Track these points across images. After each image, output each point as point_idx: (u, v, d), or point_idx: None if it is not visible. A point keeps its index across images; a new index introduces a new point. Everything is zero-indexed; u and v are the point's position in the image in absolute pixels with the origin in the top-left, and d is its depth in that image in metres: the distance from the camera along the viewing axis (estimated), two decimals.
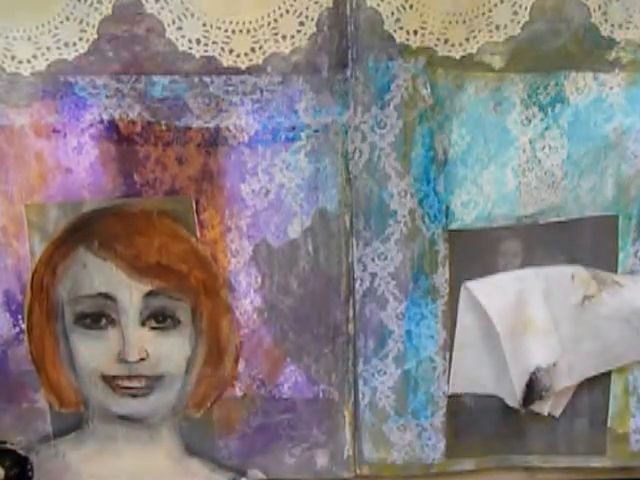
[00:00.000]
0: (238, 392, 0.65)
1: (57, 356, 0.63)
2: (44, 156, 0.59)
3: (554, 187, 0.63)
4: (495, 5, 0.59)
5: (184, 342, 0.64)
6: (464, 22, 0.59)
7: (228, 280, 0.63)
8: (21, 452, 0.63)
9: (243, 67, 0.59)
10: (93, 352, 0.63)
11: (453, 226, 0.63)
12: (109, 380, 0.64)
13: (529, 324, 0.64)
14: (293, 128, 0.60)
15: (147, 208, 0.61)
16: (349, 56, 0.59)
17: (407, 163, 0.62)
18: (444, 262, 0.64)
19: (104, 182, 0.60)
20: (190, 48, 0.58)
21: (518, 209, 0.63)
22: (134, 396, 0.64)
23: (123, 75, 0.58)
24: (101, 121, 0.59)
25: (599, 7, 0.60)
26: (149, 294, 0.62)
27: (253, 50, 0.58)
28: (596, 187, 0.64)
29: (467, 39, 0.60)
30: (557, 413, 0.67)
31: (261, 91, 0.59)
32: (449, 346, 0.65)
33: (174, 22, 0.57)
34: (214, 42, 0.58)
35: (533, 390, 0.64)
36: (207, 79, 0.59)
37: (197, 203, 0.61)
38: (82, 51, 0.57)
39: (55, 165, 0.59)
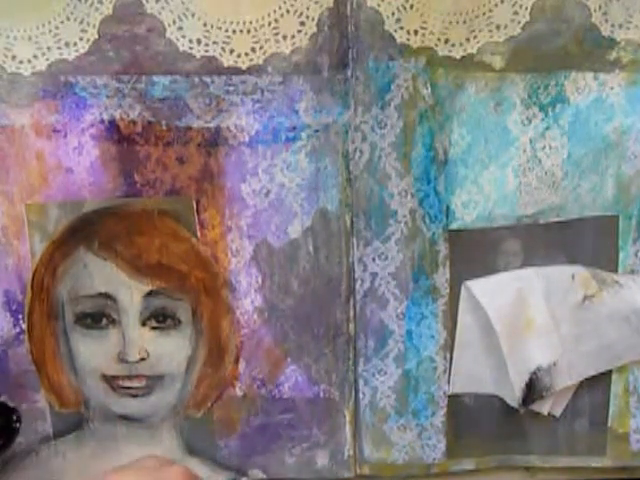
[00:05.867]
0: (238, 392, 0.65)
1: (57, 356, 0.63)
2: (45, 156, 0.59)
3: (554, 187, 0.63)
4: (495, 5, 0.59)
5: (184, 342, 0.64)
6: (464, 22, 0.59)
7: (229, 280, 0.63)
8: (8, 403, 0.62)
9: (244, 67, 0.59)
10: (93, 352, 0.63)
11: (453, 226, 0.64)
12: (109, 380, 0.64)
13: (529, 324, 0.64)
14: (294, 128, 0.60)
15: (148, 208, 0.61)
16: (350, 56, 0.59)
17: (407, 163, 0.62)
18: (444, 262, 0.64)
19: (105, 182, 0.60)
20: (191, 48, 0.58)
21: (518, 209, 0.63)
22: (134, 396, 0.64)
23: (124, 75, 0.58)
24: (102, 121, 0.59)
25: (599, 7, 0.60)
26: (149, 294, 0.62)
27: (254, 50, 0.58)
28: (596, 187, 0.64)
29: (467, 39, 0.60)
30: (557, 413, 0.67)
31: (262, 91, 0.59)
32: (449, 346, 0.65)
33: (175, 22, 0.57)
34: (215, 42, 0.58)
35: (534, 390, 0.64)
36: (207, 79, 0.59)
37: (198, 203, 0.61)
38: (83, 51, 0.57)
39: (56, 165, 0.59)
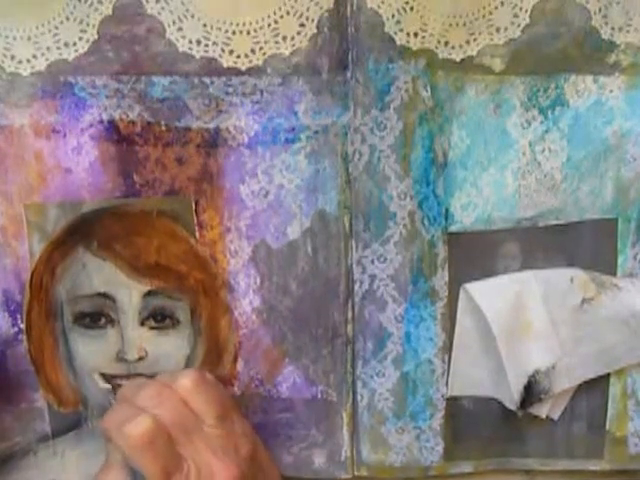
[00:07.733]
0: (237, 391, 0.65)
1: (56, 356, 0.63)
2: (44, 156, 0.59)
3: (554, 190, 0.63)
4: (495, 8, 0.59)
5: (183, 342, 0.64)
6: (464, 24, 0.59)
7: (227, 280, 0.63)
8: None
9: (243, 68, 0.58)
10: (92, 351, 0.63)
11: (452, 228, 0.63)
12: (108, 379, 0.64)
13: (528, 326, 0.64)
14: (293, 129, 0.60)
15: (146, 208, 0.61)
16: (349, 58, 0.59)
17: (407, 165, 0.61)
18: (443, 264, 0.64)
19: (103, 182, 0.60)
20: (190, 49, 0.58)
21: (517, 212, 0.63)
22: None
23: (123, 75, 0.58)
24: (101, 121, 0.59)
25: (599, 10, 0.60)
26: (148, 294, 0.62)
27: (253, 51, 0.58)
28: (595, 190, 0.64)
29: (467, 41, 0.59)
30: (555, 416, 0.67)
31: (261, 92, 0.59)
32: (448, 348, 0.65)
33: (174, 23, 0.57)
34: (214, 43, 0.58)
35: (532, 393, 0.64)
36: (207, 80, 0.59)
37: (196, 204, 0.61)
38: (82, 51, 0.57)
39: (55, 165, 0.59)
